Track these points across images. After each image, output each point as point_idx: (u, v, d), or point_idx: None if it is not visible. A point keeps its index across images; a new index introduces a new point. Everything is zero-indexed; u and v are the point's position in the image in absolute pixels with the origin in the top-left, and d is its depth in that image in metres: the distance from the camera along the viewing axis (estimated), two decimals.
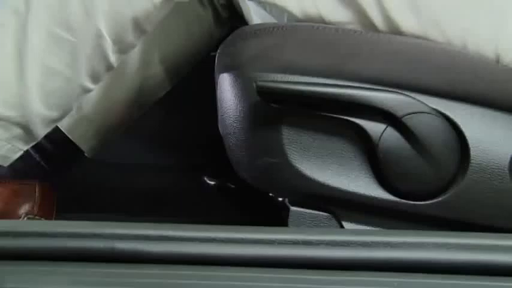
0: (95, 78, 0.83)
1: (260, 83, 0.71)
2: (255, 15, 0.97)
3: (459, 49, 0.75)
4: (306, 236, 0.60)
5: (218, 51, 0.82)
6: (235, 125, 0.76)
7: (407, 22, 0.75)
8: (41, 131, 0.84)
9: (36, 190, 0.93)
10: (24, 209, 0.90)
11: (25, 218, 0.88)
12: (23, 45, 0.78)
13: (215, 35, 1.11)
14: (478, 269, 0.58)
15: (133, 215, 1.20)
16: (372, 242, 0.59)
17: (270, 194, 0.88)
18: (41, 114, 0.81)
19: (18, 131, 0.82)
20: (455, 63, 0.75)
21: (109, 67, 0.83)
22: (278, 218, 0.89)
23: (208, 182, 1.10)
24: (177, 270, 0.57)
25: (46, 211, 0.95)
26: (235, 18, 1.12)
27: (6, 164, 0.84)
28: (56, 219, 0.98)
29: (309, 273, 0.57)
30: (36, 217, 0.91)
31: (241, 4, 1.03)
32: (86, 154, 1.07)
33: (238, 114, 0.76)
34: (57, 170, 1.02)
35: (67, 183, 1.03)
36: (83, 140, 1.05)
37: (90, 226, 0.61)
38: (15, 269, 0.56)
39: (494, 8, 0.76)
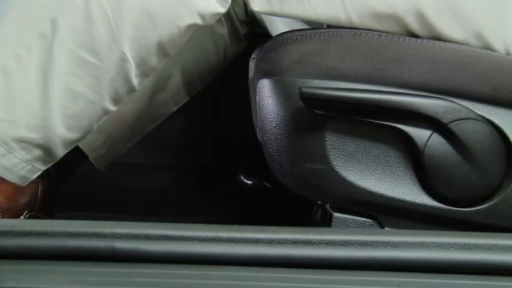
0: (116, 101, 0.82)
1: (304, 90, 0.71)
2: (281, 24, 0.96)
3: (503, 55, 0.74)
4: (306, 235, 0.60)
5: (255, 57, 0.81)
6: (276, 131, 0.75)
7: (450, 31, 0.74)
8: (61, 152, 0.83)
9: (39, 188, 0.94)
10: (26, 206, 0.90)
11: (27, 216, 0.88)
12: (48, 68, 0.78)
13: (230, 52, 1.11)
14: (477, 268, 0.58)
15: (133, 214, 1.20)
16: (372, 242, 0.59)
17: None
18: (63, 136, 0.81)
19: (39, 152, 0.81)
20: (500, 69, 0.74)
21: (131, 90, 0.83)
22: (309, 218, 0.89)
23: (245, 181, 1.10)
24: (177, 270, 0.57)
25: (47, 209, 0.95)
26: (252, 34, 1.12)
27: (24, 184, 0.84)
28: (56, 218, 0.98)
29: (308, 272, 0.57)
30: (38, 215, 0.91)
31: (265, 17, 1.02)
32: (94, 163, 1.07)
33: (279, 120, 0.75)
34: (61, 171, 1.01)
35: (67, 182, 1.04)
36: (91, 149, 1.05)
37: (90, 225, 0.61)
38: (16, 268, 0.56)
39: None
